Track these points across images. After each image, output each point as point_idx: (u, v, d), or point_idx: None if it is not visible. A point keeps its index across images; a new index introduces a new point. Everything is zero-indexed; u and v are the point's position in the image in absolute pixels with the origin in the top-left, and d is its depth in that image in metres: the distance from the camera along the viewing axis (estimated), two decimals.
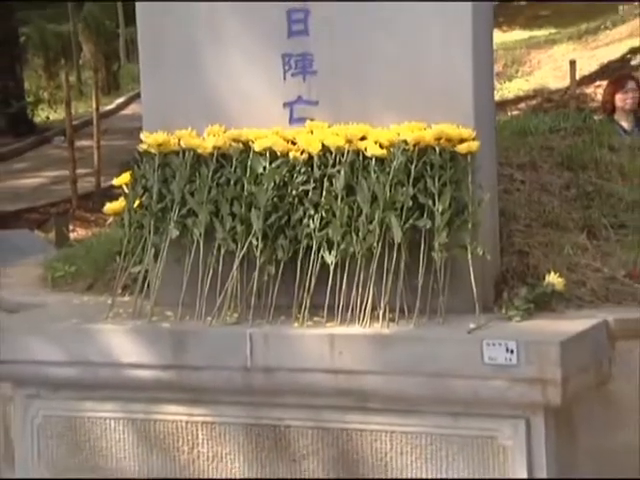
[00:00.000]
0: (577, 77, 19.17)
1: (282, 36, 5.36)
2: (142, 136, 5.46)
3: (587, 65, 20.31)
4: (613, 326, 5.04)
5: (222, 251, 5.21)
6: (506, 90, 18.79)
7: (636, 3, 24.12)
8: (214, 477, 5.13)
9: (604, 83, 15.22)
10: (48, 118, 22.60)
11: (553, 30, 24.85)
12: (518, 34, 24.56)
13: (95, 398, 5.26)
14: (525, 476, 4.73)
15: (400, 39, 5.24)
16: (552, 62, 21.46)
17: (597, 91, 18.32)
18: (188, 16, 5.51)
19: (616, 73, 17.55)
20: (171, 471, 5.19)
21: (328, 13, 5.31)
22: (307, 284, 5.09)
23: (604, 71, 20.34)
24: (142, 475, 5.22)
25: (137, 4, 5.65)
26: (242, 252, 5.16)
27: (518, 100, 19.23)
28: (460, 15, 5.17)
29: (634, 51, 20.88)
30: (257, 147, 5.19)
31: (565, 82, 19.23)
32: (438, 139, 5.00)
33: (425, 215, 4.99)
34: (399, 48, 5.23)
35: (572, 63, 19.40)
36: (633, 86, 9.86)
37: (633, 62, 20.33)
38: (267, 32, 5.40)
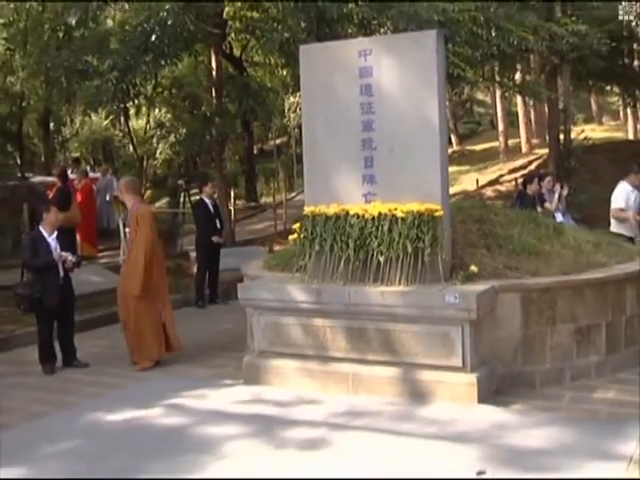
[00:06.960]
0: (479, 185, 18.89)
1: (362, 168, 5.23)
2: (305, 208, 5.37)
3: (483, 181, 20.03)
4: (497, 287, 4.90)
5: (336, 256, 5.10)
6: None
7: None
8: (330, 346, 4.99)
9: (491, 188, 15.01)
10: (274, 199, 20.67)
11: (468, 167, 24.47)
12: (454, 168, 24.09)
13: (285, 315, 5.17)
14: (460, 350, 4.57)
15: (412, 168, 5.06)
16: (468, 180, 21.11)
17: (488, 192, 18.09)
18: (324, 163, 5.36)
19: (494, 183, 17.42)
20: (315, 343, 5.06)
21: (383, 159, 5.17)
22: (372, 269, 4.97)
23: (489, 184, 20.10)
24: (308, 342, 5.10)
25: (304, 157, 5.49)
26: (345, 256, 5.05)
27: (454, 195, 18.93)
28: (434, 158, 5.02)
29: (501, 175, 20.66)
30: (351, 212, 5.09)
31: (474, 187, 19.00)
32: (427, 209, 4.88)
33: (421, 241, 4.86)
34: (412, 172, 5.06)
35: (477, 180, 19.09)
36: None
37: (501, 180, 20.13)
38: (356, 168, 5.24)
